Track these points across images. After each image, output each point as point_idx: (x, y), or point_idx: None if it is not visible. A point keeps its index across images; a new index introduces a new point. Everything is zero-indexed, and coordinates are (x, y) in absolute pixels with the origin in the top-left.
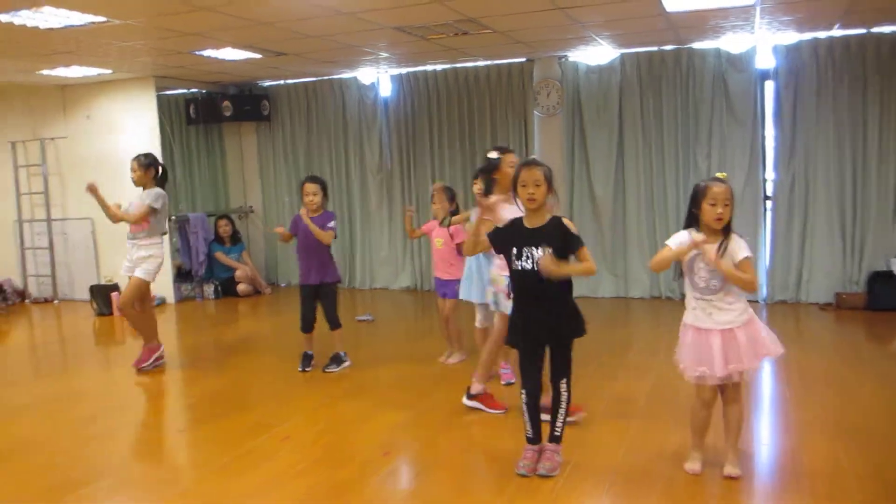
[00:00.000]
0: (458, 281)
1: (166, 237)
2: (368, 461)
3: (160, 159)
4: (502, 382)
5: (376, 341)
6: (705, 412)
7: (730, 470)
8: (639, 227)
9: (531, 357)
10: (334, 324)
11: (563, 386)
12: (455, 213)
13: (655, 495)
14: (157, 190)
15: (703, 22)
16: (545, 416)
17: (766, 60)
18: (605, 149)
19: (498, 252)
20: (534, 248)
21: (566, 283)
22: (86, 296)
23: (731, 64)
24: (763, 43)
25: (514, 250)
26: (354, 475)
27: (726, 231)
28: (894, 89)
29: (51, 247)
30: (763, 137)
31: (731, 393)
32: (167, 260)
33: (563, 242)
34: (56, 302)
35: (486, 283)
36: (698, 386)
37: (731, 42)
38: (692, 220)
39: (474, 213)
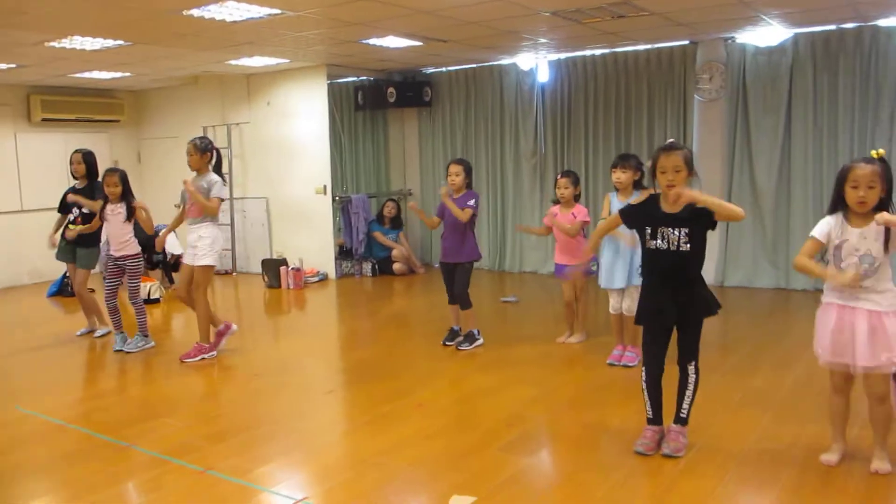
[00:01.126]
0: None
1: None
2: (492, 430)
3: (329, 144)
4: (619, 363)
5: (518, 321)
6: (839, 399)
7: (877, 465)
8: (804, 218)
9: (656, 337)
10: (464, 303)
11: (692, 368)
12: (578, 197)
13: (781, 483)
14: (216, 177)
15: None
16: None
17: None
18: (770, 135)
19: (630, 228)
20: (670, 228)
21: (697, 263)
22: (258, 269)
23: None
24: None
25: (649, 230)
26: (476, 442)
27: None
28: None
29: (232, 223)
30: None
31: (875, 386)
32: (331, 238)
33: (701, 218)
34: (234, 274)
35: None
36: (831, 372)
37: None
38: (838, 204)
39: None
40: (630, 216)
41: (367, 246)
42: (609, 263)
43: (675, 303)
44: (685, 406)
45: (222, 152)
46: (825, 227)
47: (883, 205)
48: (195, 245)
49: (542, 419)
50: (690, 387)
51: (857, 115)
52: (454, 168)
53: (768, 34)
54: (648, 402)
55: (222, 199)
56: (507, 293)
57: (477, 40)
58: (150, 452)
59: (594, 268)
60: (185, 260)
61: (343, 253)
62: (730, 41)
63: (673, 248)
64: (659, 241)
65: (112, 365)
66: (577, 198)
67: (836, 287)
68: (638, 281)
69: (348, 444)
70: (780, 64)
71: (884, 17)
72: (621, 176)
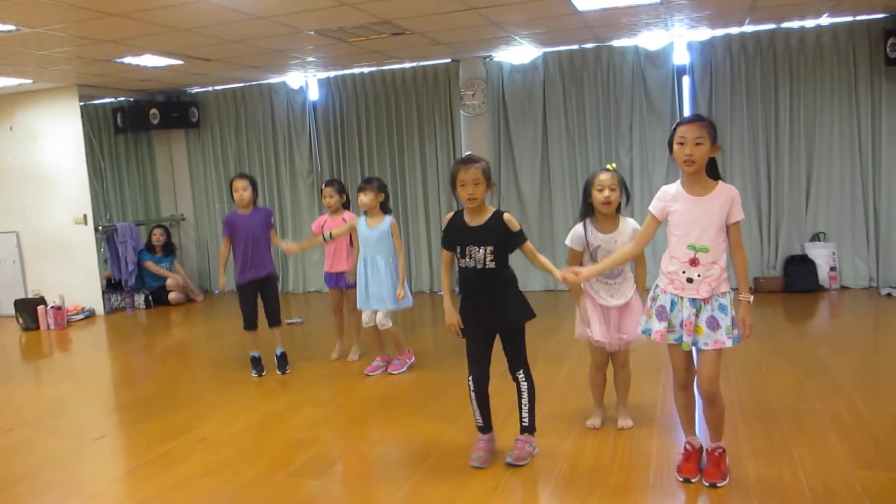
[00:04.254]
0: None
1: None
2: (280, 457)
3: (87, 170)
4: (393, 372)
5: (303, 343)
6: (598, 374)
7: (622, 423)
8: (565, 223)
9: (480, 344)
10: (279, 319)
11: (521, 375)
12: (346, 204)
13: (559, 466)
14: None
15: (617, 20)
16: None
17: (682, 56)
18: (530, 147)
19: (448, 250)
20: (475, 246)
21: (508, 278)
22: (11, 311)
23: (649, 61)
24: (679, 39)
25: (458, 249)
26: (264, 471)
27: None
28: (803, 81)
29: None
30: None
31: (620, 357)
32: (96, 271)
33: (505, 238)
34: None
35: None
36: (593, 351)
37: (648, 39)
38: (587, 210)
39: (359, 221)
40: (446, 239)
41: (137, 277)
42: (362, 285)
43: (490, 314)
44: (524, 415)
45: None
46: (576, 236)
47: (619, 208)
48: None
49: (330, 439)
50: (525, 395)
51: (602, 125)
52: (240, 182)
53: (521, 53)
54: (477, 412)
55: None
56: (292, 314)
57: (242, 59)
58: None
59: (351, 279)
60: None
61: (111, 286)
62: (488, 59)
63: (479, 265)
64: (467, 260)
65: None
66: (345, 205)
67: (594, 285)
68: (375, 303)
69: (124, 490)
70: (534, 80)
71: (617, 38)
72: (364, 199)
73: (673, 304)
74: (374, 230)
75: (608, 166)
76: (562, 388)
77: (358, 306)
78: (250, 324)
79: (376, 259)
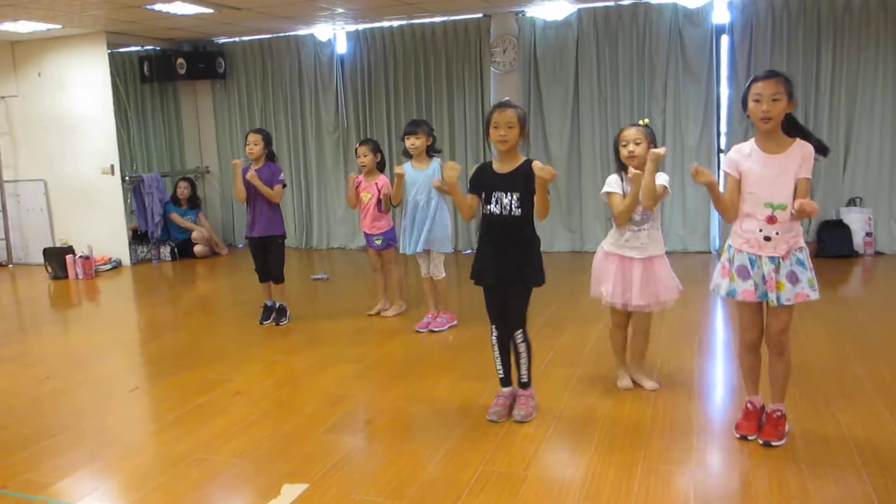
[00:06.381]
0: (387, 232)
1: None
2: (315, 413)
3: (114, 119)
4: (425, 330)
5: (330, 299)
6: (619, 333)
7: (650, 385)
8: (595, 183)
9: (498, 297)
10: (281, 277)
11: (519, 336)
12: (381, 164)
13: (597, 433)
14: None
15: None
16: None
17: (722, 15)
18: (560, 105)
19: (476, 194)
20: (503, 193)
21: (532, 233)
22: (40, 259)
23: (687, 19)
24: None
25: (485, 194)
26: (301, 426)
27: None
28: (847, 44)
29: (3, 210)
30: (718, 92)
31: (642, 321)
32: (123, 222)
33: (532, 184)
34: (10, 266)
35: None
36: (612, 311)
37: None
38: (620, 165)
39: (405, 166)
40: (475, 183)
41: (163, 229)
42: (404, 229)
43: (506, 267)
44: (523, 372)
45: None
46: (615, 185)
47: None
48: None
49: (364, 396)
50: (523, 355)
51: (636, 85)
52: (252, 137)
53: (555, 9)
54: (498, 360)
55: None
56: (317, 270)
57: (272, 9)
58: None
59: (378, 242)
60: None
61: (138, 237)
62: (520, 15)
63: (505, 212)
64: (493, 206)
65: None
66: (380, 166)
67: (624, 235)
68: (431, 246)
69: (162, 444)
70: (567, 37)
71: None
72: (415, 142)
73: (752, 262)
74: (422, 172)
75: (640, 121)
76: (594, 351)
77: (409, 251)
78: (262, 276)
79: (428, 201)
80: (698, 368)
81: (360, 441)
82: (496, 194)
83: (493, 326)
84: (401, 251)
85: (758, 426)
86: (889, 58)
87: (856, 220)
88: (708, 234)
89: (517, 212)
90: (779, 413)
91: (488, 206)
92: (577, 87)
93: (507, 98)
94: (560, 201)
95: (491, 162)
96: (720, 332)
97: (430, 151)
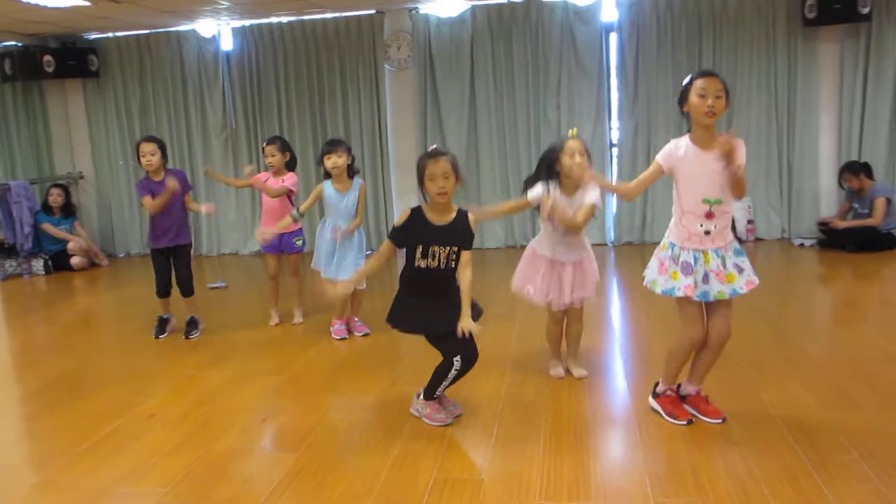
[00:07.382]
0: (301, 231)
1: None
2: (248, 429)
3: None
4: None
5: (233, 308)
6: (556, 327)
7: (578, 372)
8: (492, 179)
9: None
10: (192, 289)
11: (457, 359)
12: (291, 163)
13: (542, 424)
14: None
15: None
16: None
17: (610, 13)
18: (457, 102)
19: (399, 248)
20: (441, 247)
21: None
22: None
23: (578, 17)
24: None
25: (420, 248)
26: (235, 445)
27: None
28: (725, 41)
29: None
30: (609, 88)
31: (576, 313)
32: None
33: (467, 240)
34: None
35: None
36: (549, 306)
37: None
38: (551, 175)
39: (324, 186)
40: (401, 236)
41: (35, 240)
42: (326, 251)
43: (438, 313)
44: (435, 383)
45: None
46: (538, 191)
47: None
48: None
49: (294, 409)
50: (451, 373)
51: (531, 81)
52: (147, 146)
53: (449, 5)
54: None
55: None
56: (213, 279)
57: (154, 2)
58: None
59: (299, 243)
60: None
61: (5, 250)
62: (413, 12)
63: (442, 265)
64: (429, 260)
65: None
66: (289, 164)
67: (552, 241)
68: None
69: (76, 478)
70: (462, 34)
71: None
72: (337, 161)
73: (696, 259)
74: (346, 195)
75: (571, 132)
76: (518, 342)
77: (324, 275)
78: (163, 291)
79: (353, 230)
80: (624, 354)
81: (301, 457)
82: (433, 248)
83: (458, 357)
84: (323, 275)
85: (686, 409)
86: (762, 55)
87: (738, 209)
88: (603, 226)
89: (452, 265)
90: (706, 394)
91: (424, 260)
92: (472, 84)
93: (434, 145)
94: (458, 198)
95: (421, 210)
96: (639, 319)
97: (350, 172)
